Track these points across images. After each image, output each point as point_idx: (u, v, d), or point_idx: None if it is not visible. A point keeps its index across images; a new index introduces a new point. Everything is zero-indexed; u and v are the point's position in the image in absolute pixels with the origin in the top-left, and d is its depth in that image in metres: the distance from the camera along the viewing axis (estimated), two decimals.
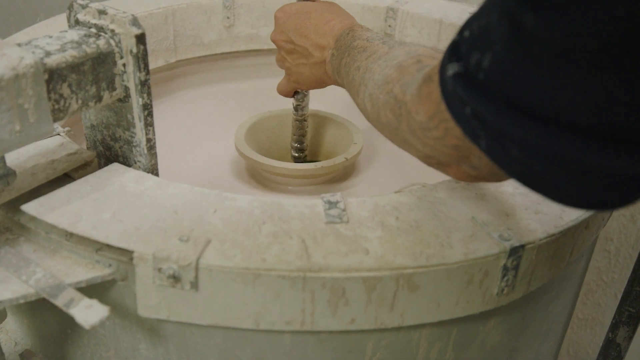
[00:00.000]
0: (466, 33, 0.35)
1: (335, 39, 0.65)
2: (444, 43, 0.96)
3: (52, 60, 0.46)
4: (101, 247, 0.48)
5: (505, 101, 0.32)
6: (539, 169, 0.34)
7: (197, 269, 0.45)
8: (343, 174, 0.82)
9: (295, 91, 0.78)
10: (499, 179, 0.43)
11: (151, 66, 0.90)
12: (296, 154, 0.84)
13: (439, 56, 0.41)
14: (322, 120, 0.86)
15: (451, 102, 0.37)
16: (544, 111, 0.31)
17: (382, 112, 0.48)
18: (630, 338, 0.84)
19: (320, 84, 0.71)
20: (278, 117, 0.86)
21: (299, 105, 0.80)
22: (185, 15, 0.92)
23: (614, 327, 0.83)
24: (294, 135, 0.83)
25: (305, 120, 0.81)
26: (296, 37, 0.68)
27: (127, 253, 0.46)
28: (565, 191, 0.35)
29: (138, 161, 0.56)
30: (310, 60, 0.68)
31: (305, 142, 0.83)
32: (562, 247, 0.54)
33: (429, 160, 0.44)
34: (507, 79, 0.32)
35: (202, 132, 0.89)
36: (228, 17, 0.96)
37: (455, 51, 0.36)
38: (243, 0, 0.96)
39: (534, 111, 0.32)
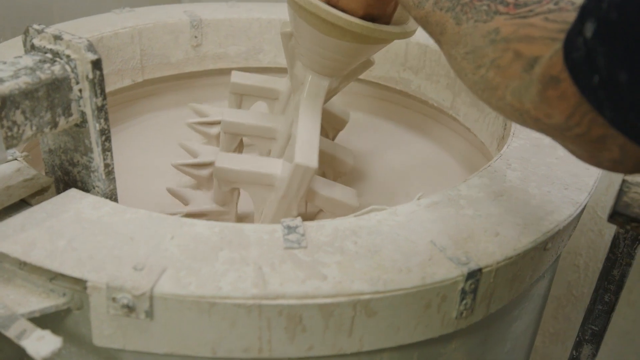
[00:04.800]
0: None
1: None
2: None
3: (5, 88, 0.46)
4: (55, 276, 0.47)
5: None
6: None
7: (151, 298, 0.44)
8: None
9: None
10: None
11: (117, 86, 0.90)
12: None
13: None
14: None
15: (579, 72, 0.32)
16: None
17: (496, 108, 0.43)
18: (594, 355, 0.84)
19: None
20: None
21: None
22: (152, 35, 0.92)
23: (578, 345, 0.84)
24: None
25: None
26: None
27: (81, 282, 0.46)
28: None
29: (96, 186, 0.55)
30: None
31: None
32: (522, 269, 0.54)
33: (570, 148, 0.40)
34: None
35: (170, 154, 0.88)
36: (196, 37, 0.96)
37: (585, 12, 0.31)
38: (211, 19, 0.96)
39: None
